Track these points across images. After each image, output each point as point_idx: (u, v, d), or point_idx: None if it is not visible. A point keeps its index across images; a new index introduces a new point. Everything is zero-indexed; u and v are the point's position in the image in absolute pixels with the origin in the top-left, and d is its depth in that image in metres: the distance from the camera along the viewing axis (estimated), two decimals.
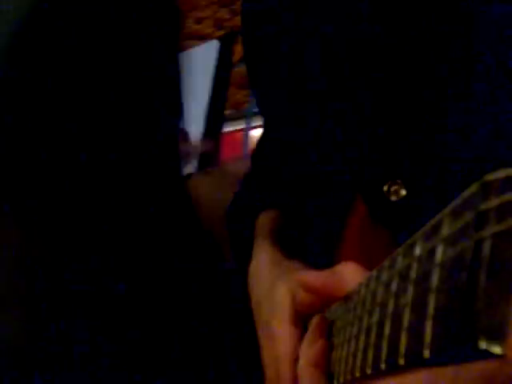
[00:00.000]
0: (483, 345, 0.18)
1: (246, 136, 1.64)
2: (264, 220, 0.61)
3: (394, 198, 0.45)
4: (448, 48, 0.44)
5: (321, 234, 0.53)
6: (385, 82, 0.47)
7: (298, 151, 0.56)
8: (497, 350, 0.18)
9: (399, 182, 0.45)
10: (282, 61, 0.56)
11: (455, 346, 0.19)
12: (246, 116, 1.67)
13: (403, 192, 0.45)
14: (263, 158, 0.66)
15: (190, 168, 1.51)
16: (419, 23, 0.46)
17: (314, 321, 0.42)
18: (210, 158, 1.50)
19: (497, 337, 0.18)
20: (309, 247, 0.55)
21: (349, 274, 0.40)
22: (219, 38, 1.63)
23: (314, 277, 0.43)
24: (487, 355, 0.18)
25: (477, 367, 0.19)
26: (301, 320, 0.45)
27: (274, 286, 0.49)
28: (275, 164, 0.62)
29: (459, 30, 0.44)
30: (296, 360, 0.42)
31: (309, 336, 0.41)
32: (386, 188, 0.45)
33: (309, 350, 0.40)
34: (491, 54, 0.42)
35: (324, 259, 0.51)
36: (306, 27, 0.52)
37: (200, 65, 1.59)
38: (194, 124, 1.52)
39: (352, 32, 0.49)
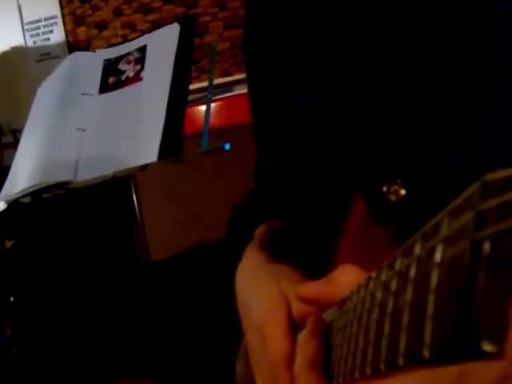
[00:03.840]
0: (482, 344, 0.18)
1: (208, 110, 1.58)
2: (259, 230, 0.60)
3: (393, 198, 0.45)
4: (453, 52, 0.44)
5: (321, 233, 0.53)
6: (386, 83, 0.47)
7: (297, 153, 0.56)
8: (496, 349, 0.18)
9: (399, 182, 0.45)
10: (283, 60, 0.56)
11: (455, 346, 0.19)
12: (208, 89, 1.63)
13: (403, 192, 0.45)
14: (264, 169, 0.66)
15: (149, 157, 1.44)
16: (422, 18, 0.46)
17: (310, 321, 0.41)
18: (171, 146, 1.43)
19: (496, 336, 0.18)
20: (309, 247, 0.55)
21: (346, 281, 0.39)
22: (179, 21, 1.61)
23: (309, 289, 0.43)
24: (487, 355, 0.18)
25: (485, 368, 0.19)
26: (294, 325, 0.45)
27: (264, 287, 0.48)
28: (275, 170, 0.62)
29: (472, 31, 0.44)
30: (292, 362, 0.42)
31: (305, 336, 0.41)
32: (385, 188, 0.45)
33: (305, 350, 0.40)
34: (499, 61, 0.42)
35: (324, 259, 0.51)
36: (312, 32, 0.52)
37: (162, 48, 1.57)
38: (157, 110, 1.46)
39: (357, 30, 0.49)
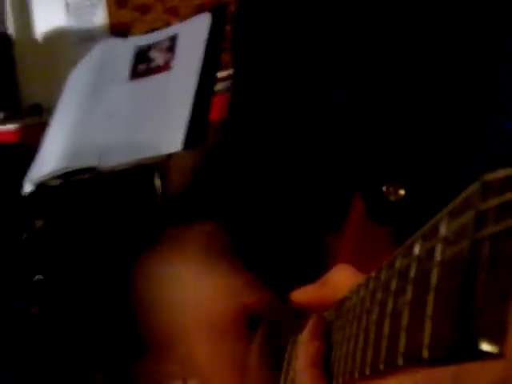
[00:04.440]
0: (482, 345, 0.18)
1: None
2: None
3: (392, 198, 0.45)
4: (453, 53, 0.44)
5: (319, 233, 0.53)
6: (385, 83, 0.47)
7: (297, 153, 0.56)
8: (496, 349, 0.18)
9: (398, 182, 0.45)
10: (275, 63, 0.56)
11: (454, 346, 0.19)
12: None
13: (402, 192, 0.45)
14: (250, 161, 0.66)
15: (174, 146, 1.44)
16: (427, 21, 0.46)
17: (312, 320, 0.41)
18: (196, 135, 1.40)
19: (496, 337, 0.18)
20: (308, 247, 0.55)
21: (341, 282, 0.39)
22: (211, 10, 1.61)
23: (303, 294, 0.43)
24: (486, 355, 0.18)
25: (485, 368, 0.19)
26: (248, 321, 0.45)
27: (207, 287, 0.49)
28: (271, 168, 0.62)
29: (478, 36, 0.44)
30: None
31: (306, 336, 0.41)
32: (385, 188, 0.45)
33: (307, 349, 0.40)
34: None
35: (323, 259, 0.51)
36: (307, 33, 0.52)
37: (192, 38, 1.58)
38: (184, 99, 1.46)
39: (355, 31, 0.49)
